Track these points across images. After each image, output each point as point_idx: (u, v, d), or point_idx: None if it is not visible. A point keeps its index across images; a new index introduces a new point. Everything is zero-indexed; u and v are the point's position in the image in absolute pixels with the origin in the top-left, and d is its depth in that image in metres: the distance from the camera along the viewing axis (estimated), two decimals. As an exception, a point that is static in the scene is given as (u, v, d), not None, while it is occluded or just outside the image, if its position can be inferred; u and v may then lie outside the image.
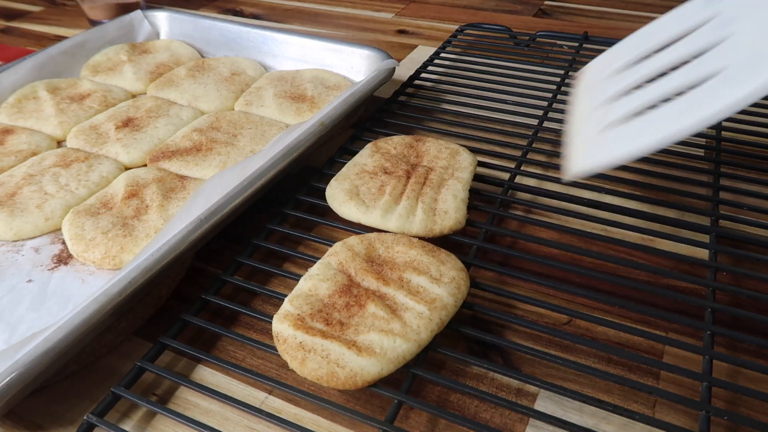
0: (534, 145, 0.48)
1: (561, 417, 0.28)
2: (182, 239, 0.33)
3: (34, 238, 0.39)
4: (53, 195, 0.41)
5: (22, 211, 0.40)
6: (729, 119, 0.49)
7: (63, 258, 0.38)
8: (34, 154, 0.47)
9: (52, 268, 0.37)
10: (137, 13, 0.66)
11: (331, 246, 0.35)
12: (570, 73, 0.58)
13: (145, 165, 0.46)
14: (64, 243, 0.38)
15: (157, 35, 0.66)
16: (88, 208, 0.40)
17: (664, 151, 0.45)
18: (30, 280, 0.36)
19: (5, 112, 0.52)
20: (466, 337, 0.33)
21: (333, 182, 0.40)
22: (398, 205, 0.37)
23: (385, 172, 0.40)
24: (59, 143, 0.50)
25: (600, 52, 0.62)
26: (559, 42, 0.65)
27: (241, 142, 0.46)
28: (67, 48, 0.59)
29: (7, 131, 0.49)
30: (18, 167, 0.45)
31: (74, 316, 0.28)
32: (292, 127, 0.44)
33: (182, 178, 0.43)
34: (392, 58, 0.54)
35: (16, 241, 0.39)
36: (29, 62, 0.56)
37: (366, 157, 0.42)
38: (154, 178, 0.42)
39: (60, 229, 0.40)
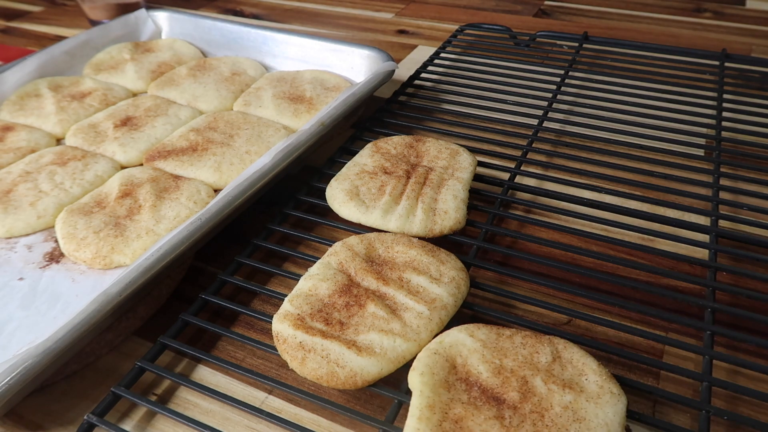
0: (534, 145, 0.48)
1: (561, 417, 0.28)
2: (182, 239, 0.33)
3: (27, 235, 0.40)
4: (47, 193, 0.41)
5: (15, 208, 0.40)
6: (729, 119, 0.49)
7: (55, 256, 0.38)
8: (32, 151, 0.47)
9: (44, 266, 0.37)
10: (141, 12, 0.66)
11: (331, 246, 0.35)
12: (570, 73, 0.58)
13: (141, 164, 0.46)
14: (56, 241, 0.38)
15: (160, 34, 0.66)
16: (81, 207, 0.40)
17: (664, 151, 0.45)
18: (21, 278, 0.36)
19: (7, 109, 0.52)
20: (466, 337, 0.33)
21: (333, 182, 0.40)
22: (398, 205, 0.37)
23: (385, 172, 0.40)
24: (59, 141, 0.50)
25: (600, 52, 0.63)
26: (559, 42, 0.65)
27: (237, 143, 0.46)
28: (71, 46, 0.60)
29: (8, 128, 0.49)
30: (16, 164, 0.45)
31: (75, 316, 0.28)
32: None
33: (177, 178, 0.43)
34: (392, 58, 0.54)
35: (9, 238, 0.39)
36: (33, 60, 0.56)
37: (366, 157, 0.42)
38: (148, 178, 0.42)
39: (53, 226, 0.40)
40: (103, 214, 0.39)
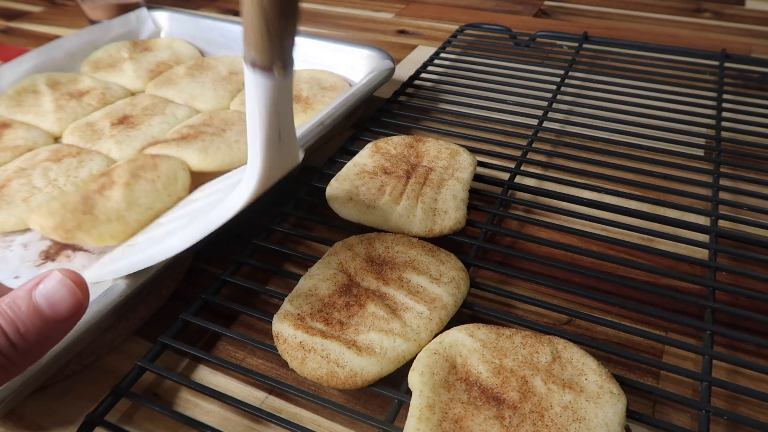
0: (534, 145, 0.48)
1: (561, 417, 0.28)
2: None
3: (24, 233, 0.39)
4: (40, 189, 0.41)
5: (8, 204, 0.40)
6: (729, 119, 0.49)
7: (50, 254, 0.38)
8: (30, 150, 0.47)
9: (39, 265, 0.37)
10: (142, 11, 0.66)
11: (331, 246, 0.35)
12: (570, 73, 0.58)
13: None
14: (52, 239, 0.38)
15: (159, 34, 0.66)
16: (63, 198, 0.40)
17: (664, 151, 0.45)
18: (17, 277, 0.36)
19: (4, 104, 0.52)
20: (466, 337, 0.33)
21: (333, 182, 0.40)
22: (398, 205, 0.37)
23: (385, 172, 0.40)
24: (56, 139, 0.50)
25: (600, 52, 0.63)
26: (559, 42, 0.65)
27: (228, 134, 0.46)
28: (70, 44, 0.60)
29: (5, 125, 0.49)
30: (12, 161, 0.45)
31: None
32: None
33: (156, 156, 0.42)
34: (392, 58, 0.54)
35: (3, 235, 0.39)
36: (32, 57, 0.56)
37: (366, 158, 0.42)
38: (127, 159, 0.42)
39: None
40: (77, 193, 0.39)
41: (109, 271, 0.32)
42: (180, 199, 0.40)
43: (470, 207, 0.39)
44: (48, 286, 0.23)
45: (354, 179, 0.39)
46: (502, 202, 0.41)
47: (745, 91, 0.55)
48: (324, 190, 0.40)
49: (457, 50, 0.65)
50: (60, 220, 0.36)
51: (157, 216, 0.39)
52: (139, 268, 0.31)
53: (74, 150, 0.46)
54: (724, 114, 0.50)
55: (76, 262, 0.37)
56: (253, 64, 0.25)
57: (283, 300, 0.31)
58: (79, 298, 0.23)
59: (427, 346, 0.28)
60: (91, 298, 0.30)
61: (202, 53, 0.64)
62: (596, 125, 0.49)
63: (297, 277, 0.33)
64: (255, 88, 0.26)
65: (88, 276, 0.32)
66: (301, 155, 0.31)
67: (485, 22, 0.73)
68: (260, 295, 0.37)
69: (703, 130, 0.49)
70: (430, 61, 0.61)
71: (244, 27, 0.24)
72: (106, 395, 0.29)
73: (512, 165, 0.44)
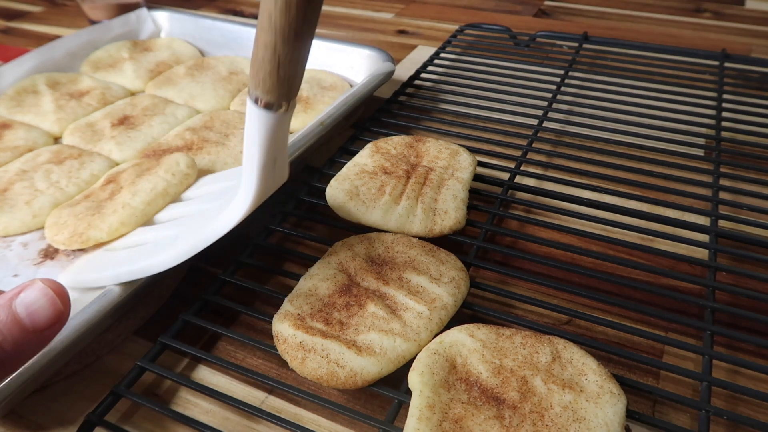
0: (534, 145, 0.48)
1: (561, 417, 0.28)
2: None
3: (24, 234, 0.39)
4: (43, 192, 0.41)
5: (11, 207, 0.40)
6: (729, 119, 0.49)
7: (50, 253, 0.38)
8: (30, 150, 0.47)
9: (39, 263, 0.37)
10: (142, 11, 0.66)
11: (331, 246, 0.35)
12: (570, 73, 0.58)
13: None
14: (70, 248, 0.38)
15: (159, 34, 0.67)
16: (71, 202, 0.40)
17: (664, 151, 0.45)
18: (16, 275, 0.36)
19: (4, 104, 0.52)
20: (466, 337, 0.33)
21: (333, 182, 0.40)
22: (398, 205, 0.37)
23: (385, 172, 0.40)
24: (56, 140, 0.50)
25: (600, 52, 0.63)
26: (558, 42, 0.65)
27: (232, 143, 0.46)
28: (70, 44, 0.60)
29: (5, 126, 0.49)
30: (13, 162, 0.45)
31: (75, 316, 0.28)
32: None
33: (159, 157, 0.42)
34: (392, 58, 0.54)
35: (5, 237, 0.39)
36: (32, 57, 0.56)
37: (366, 158, 0.42)
38: (133, 164, 0.42)
39: None
40: (87, 201, 0.39)
41: (91, 278, 0.32)
42: (185, 176, 0.40)
43: (470, 207, 0.39)
44: (29, 296, 0.22)
45: (354, 179, 0.39)
46: (502, 202, 0.41)
47: (745, 91, 0.55)
48: (324, 190, 0.40)
49: (457, 50, 0.65)
50: (72, 229, 0.37)
51: (163, 196, 0.38)
52: (124, 281, 0.31)
53: (75, 152, 0.46)
54: (724, 114, 0.50)
55: (76, 261, 0.37)
56: (257, 101, 0.25)
57: (283, 300, 0.31)
58: (60, 308, 0.23)
59: (427, 346, 0.28)
60: (91, 299, 0.30)
61: (202, 53, 0.64)
62: (596, 125, 0.49)
63: (297, 277, 0.33)
64: (257, 123, 0.26)
65: (65, 280, 0.31)
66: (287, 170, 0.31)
67: (485, 22, 0.73)
68: (260, 295, 0.37)
69: (703, 130, 0.49)
70: (430, 61, 0.61)
71: (253, 65, 0.24)
72: (106, 395, 0.29)
73: (512, 165, 0.44)
